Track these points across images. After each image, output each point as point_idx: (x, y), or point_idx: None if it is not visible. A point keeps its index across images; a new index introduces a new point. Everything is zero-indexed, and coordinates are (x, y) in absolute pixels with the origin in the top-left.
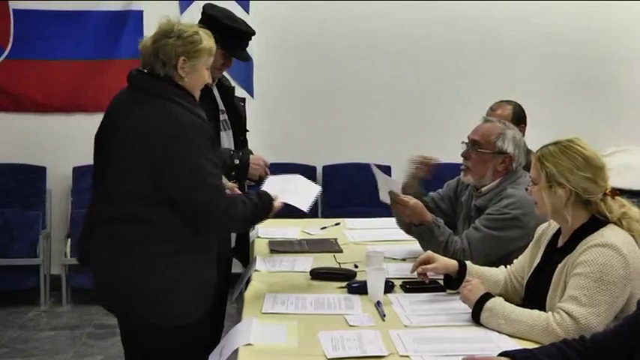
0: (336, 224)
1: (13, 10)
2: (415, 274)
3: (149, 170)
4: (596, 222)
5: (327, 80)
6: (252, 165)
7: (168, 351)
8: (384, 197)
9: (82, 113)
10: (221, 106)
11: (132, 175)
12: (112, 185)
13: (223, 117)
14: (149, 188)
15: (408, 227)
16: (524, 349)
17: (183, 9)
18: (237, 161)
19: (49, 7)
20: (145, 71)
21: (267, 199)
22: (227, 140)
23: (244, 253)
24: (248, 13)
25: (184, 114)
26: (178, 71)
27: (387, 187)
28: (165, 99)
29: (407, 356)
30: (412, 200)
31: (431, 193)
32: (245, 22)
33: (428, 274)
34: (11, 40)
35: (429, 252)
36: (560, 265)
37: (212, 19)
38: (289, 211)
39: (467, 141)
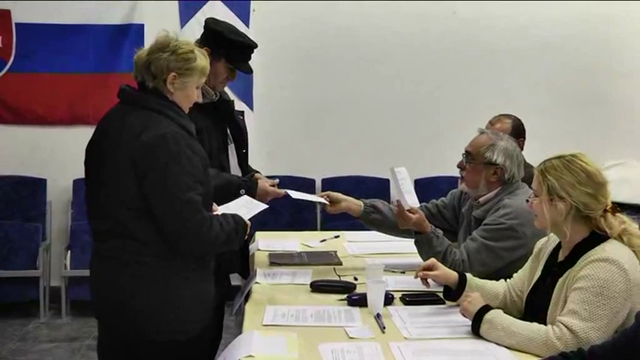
0: (336, 237)
1: (16, 23)
2: (417, 280)
3: (134, 182)
4: (597, 237)
5: (327, 93)
6: (258, 196)
7: None
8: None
9: (82, 126)
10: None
11: (121, 188)
12: (104, 200)
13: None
14: (136, 201)
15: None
16: None
17: (183, 23)
18: (242, 191)
19: (51, 20)
20: (137, 83)
21: (242, 224)
22: (231, 153)
23: (244, 266)
24: (248, 27)
25: (167, 124)
26: (167, 86)
27: (399, 194)
28: (152, 110)
29: None
30: (415, 215)
31: (433, 200)
32: (247, 36)
33: (429, 280)
34: (13, 53)
35: (433, 259)
36: (560, 280)
37: (216, 33)
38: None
39: (464, 152)
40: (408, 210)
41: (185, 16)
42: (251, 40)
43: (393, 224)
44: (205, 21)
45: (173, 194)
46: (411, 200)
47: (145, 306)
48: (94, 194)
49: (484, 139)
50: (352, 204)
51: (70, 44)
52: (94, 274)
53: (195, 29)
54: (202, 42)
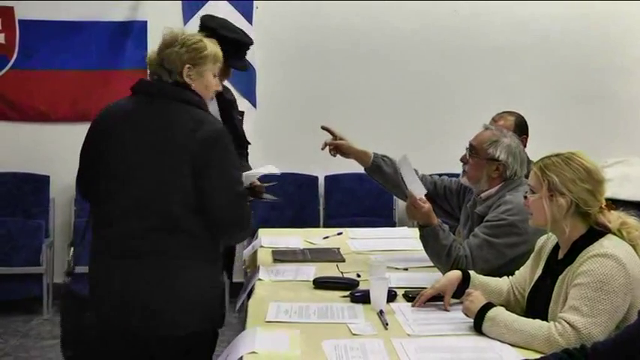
0: (339, 234)
1: (19, 20)
2: (420, 277)
3: (191, 178)
4: (595, 233)
5: (330, 90)
6: None
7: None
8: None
9: (85, 123)
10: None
11: (177, 183)
12: (150, 195)
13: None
14: (190, 196)
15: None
16: None
17: (186, 20)
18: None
19: (54, 17)
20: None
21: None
22: None
23: (229, 264)
24: (251, 24)
25: (213, 118)
26: (185, 78)
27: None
28: (191, 104)
29: None
30: (426, 205)
31: (444, 178)
32: (243, 32)
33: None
34: (16, 50)
35: (437, 290)
36: (560, 277)
37: (210, 30)
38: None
39: (467, 145)
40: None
41: (188, 13)
42: (246, 37)
43: (399, 181)
44: (200, 18)
45: (231, 187)
46: (420, 190)
47: (195, 297)
48: (126, 192)
49: (488, 134)
50: (362, 154)
51: (73, 41)
52: (123, 273)
53: (198, 26)
54: None
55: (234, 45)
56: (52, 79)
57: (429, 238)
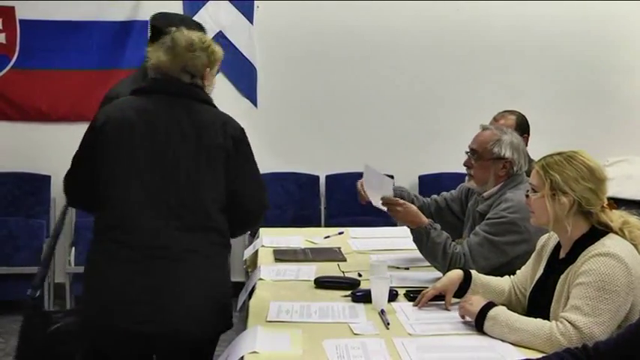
0: (340, 233)
1: (20, 20)
2: (421, 276)
3: (224, 176)
4: (597, 232)
5: (331, 90)
6: None
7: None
8: (377, 203)
9: (86, 122)
10: None
11: (209, 182)
12: (186, 196)
13: None
14: (222, 193)
15: None
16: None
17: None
18: None
19: (55, 17)
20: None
21: None
22: None
23: None
24: (252, 23)
25: (233, 118)
26: (204, 81)
27: (379, 191)
28: (210, 105)
29: None
30: (405, 203)
31: (443, 193)
32: (198, 25)
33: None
34: (17, 49)
35: (439, 289)
36: (562, 276)
37: (154, 28)
38: None
39: (468, 150)
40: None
41: (189, 14)
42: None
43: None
44: (151, 17)
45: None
46: (388, 187)
47: (224, 297)
48: (159, 192)
49: (488, 134)
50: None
51: (73, 41)
52: (153, 275)
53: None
54: (150, 39)
55: None
56: (53, 79)
57: (421, 239)
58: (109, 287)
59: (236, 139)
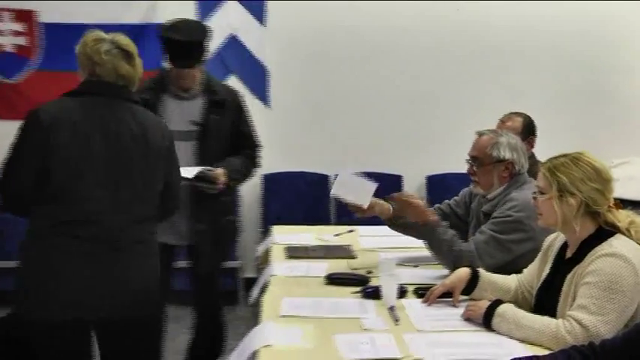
0: (350, 231)
1: (41, 23)
2: (429, 274)
3: (163, 168)
4: (603, 233)
5: (341, 90)
6: None
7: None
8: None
9: None
10: (195, 116)
11: (156, 180)
12: (136, 192)
13: (188, 128)
14: (161, 184)
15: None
16: (534, 356)
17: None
18: None
19: (73, 20)
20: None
21: None
22: (180, 151)
23: None
24: (265, 26)
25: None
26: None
27: (359, 197)
28: (135, 103)
29: (420, 359)
30: (417, 199)
31: (446, 201)
32: (187, 31)
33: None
34: (38, 51)
35: (447, 286)
36: (569, 276)
37: (158, 36)
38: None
39: (469, 158)
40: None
41: (202, 16)
42: (178, 35)
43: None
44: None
45: (179, 175)
46: (365, 198)
47: (157, 281)
48: (109, 189)
49: (486, 139)
50: (384, 207)
51: None
52: (128, 263)
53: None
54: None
55: (167, 44)
56: (73, 80)
57: (429, 235)
58: (65, 281)
59: (171, 139)
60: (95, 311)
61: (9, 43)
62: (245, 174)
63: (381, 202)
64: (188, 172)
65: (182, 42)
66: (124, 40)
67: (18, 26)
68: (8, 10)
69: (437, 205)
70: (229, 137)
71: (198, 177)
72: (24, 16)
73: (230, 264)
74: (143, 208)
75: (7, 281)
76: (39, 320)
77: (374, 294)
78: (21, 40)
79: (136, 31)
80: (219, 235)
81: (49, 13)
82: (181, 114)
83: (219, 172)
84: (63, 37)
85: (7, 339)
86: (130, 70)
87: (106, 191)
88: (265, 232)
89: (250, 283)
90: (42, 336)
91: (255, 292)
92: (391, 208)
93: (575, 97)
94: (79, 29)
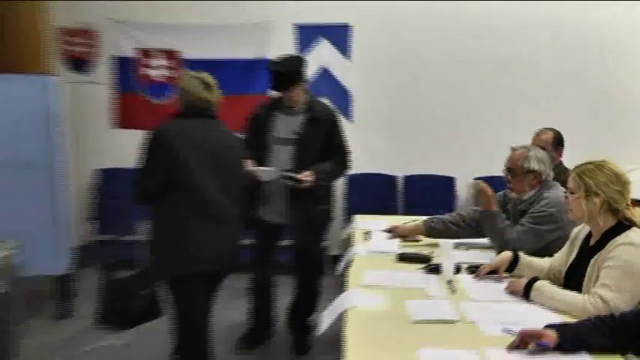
0: (414, 220)
1: (182, 59)
2: (480, 254)
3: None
4: (622, 226)
5: (407, 109)
6: None
7: None
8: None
9: None
10: (296, 128)
11: (238, 168)
12: (230, 179)
13: (290, 136)
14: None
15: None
16: (565, 323)
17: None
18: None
19: (206, 57)
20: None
21: None
22: (279, 155)
23: None
24: (347, 58)
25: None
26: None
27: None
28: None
29: (473, 322)
30: (490, 190)
31: None
32: (281, 65)
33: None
34: None
35: (494, 266)
36: (592, 260)
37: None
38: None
39: (505, 169)
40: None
41: (301, 50)
42: (274, 67)
43: (452, 231)
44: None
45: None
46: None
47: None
48: (214, 181)
49: (518, 153)
50: (416, 228)
51: (218, 73)
52: (219, 236)
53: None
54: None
55: (269, 75)
56: None
57: (489, 220)
58: (201, 243)
59: (242, 149)
60: (212, 265)
61: (160, 74)
62: (334, 174)
63: (413, 224)
64: (266, 173)
65: (276, 73)
66: (207, 77)
67: (166, 62)
68: (160, 50)
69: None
70: (322, 145)
71: (284, 176)
72: (170, 54)
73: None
74: (235, 193)
75: (130, 251)
76: (179, 274)
77: (435, 270)
78: (168, 72)
79: (249, 65)
80: (312, 219)
81: (188, 52)
82: (286, 125)
83: (307, 173)
84: (198, 69)
85: (137, 292)
86: (210, 97)
87: (215, 182)
88: (348, 220)
89: (335, 259)
90: (179, 284)
91: (341, 266)
92: (423, 227)
93: (595, 112)
94: (210, 63)
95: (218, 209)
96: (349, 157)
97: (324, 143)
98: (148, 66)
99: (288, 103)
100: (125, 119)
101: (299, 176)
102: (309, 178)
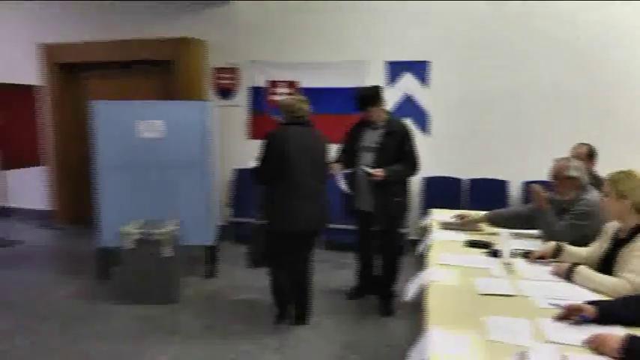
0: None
1: (300, 88)
2: (530, 243)
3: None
4: None
5: (470, 124)
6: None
7: None
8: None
9: (333, 143)
10: (377, 139)
11: (324, 161)
12: (318, 168)
13: (372, 145)
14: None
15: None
16: (602, 300)
17: (387, 84)
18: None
19: (318, 86)
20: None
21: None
22: (364, 158)
23: None
24: (427, 86)
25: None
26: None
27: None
28: (310, 126)
29: (527, 297)
30: (544, 192)
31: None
32: (363, 91)
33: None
34: None
35: (542, 253)
36: (622, 250)
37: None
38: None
39: (550, 176)
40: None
41: (390, 83)
42: (357, 93)
43: (510, 223)
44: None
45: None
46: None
47: (327, 210)
48: (305, 168)
49: (560, 164)
50: (479, 218)
51: (327, 98)
52: (314, 208)
53: (395, 90)
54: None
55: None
56: (320, 119)
57: (540, 216)
58: (297, 212)
59: (327, 147)
60: (307, 225)
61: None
62: (401, 174)
63: (476, 216)
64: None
65: (357, 97)
66: (300, 96)
67: (288, 90)
68: (284, 81)
69: (527, 205)
70: (396, 152)
71: (363, 170)
72: (291, 84)
73: (401, 230)
74: (321, 177)
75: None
76: (284, 231)
77: (496, 254)
78: None
79: (350, 92)
80: (390, 209)
81: (305, 82)
82: (370, 137)
83: (378, 170)
84: (310, 96)
85: (258, 239)
86: (306, 110)
87: (308, 169)
88: (424, 212)
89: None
90: (284, 238)
91: (420, 248)
92: (485, 218)
93: (622, 130)
94: (320, 91)
95: (308, 189)
96: (418, 161)
97: (397, 151)
98: (274, 93)
99: (370, 119)
100: (256, 132)
101: (371, 171)
102: (378, 174)
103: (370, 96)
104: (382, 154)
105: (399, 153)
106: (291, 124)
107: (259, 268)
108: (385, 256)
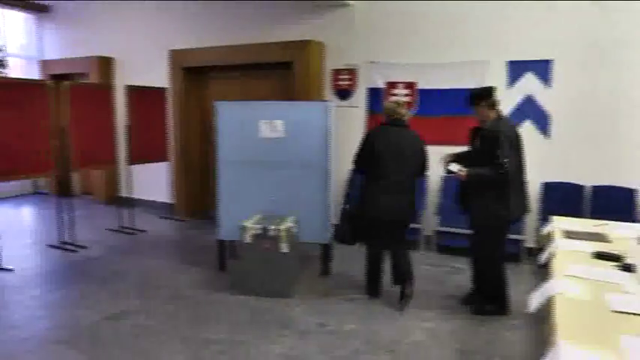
0: (604, 224)
1: (417, 89)
2: None
3: (419, 157)
4: None
5: (592, 127)
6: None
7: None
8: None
9: (453, 144)
10: (479, 140)
11: (414, 159)
12: (406, 164)
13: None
14: (418, 163)
15: None
16: None
17: (509, 86)
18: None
19: (434, 87)
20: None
21: None
22: (471, 157)
23: None
24: (549, 86)
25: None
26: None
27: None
28: (406, 127)
29: None
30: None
31: None
32: (474, 90)
33: None
34: (418, 105)
35: None
36: None
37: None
38: None
39: None
40: None
41: (510, 84)
42: (471, 93)
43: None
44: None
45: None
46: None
47: (413, 205)
48: (394, 165)
49: None
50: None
51: (446, 99)
52: (396, 200)
53: (514, 91)
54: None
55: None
56: (435, 121)
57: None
58: (379, 202)
59: (423, 144)
60: (391, 215)
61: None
62: (486, 177)
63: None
64: (452, 166)
65: (468, 95)
66: (401, 100)
67: (407, 91)
68: (402, 82)
69: None
70: (486, 155)
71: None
72: (410, 85)
73: (516, 236)
74: (409, 172)
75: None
76: (372, 217)
77: (628, 268)
78: (407, 98)
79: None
80: (476, 213)
81: (423, 84)
82: (478, 138)
83: (462, 170)
84: (428, 96)
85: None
86: (404, 113)
87: (395, 164)
88: (543, 220)
89: (530, 250)
90: (372, 223)
91: (543, 257)
92: None
93: None
94: (439, 92)
95: (393, 183)
96: (502, 165)
97: (489, 154)
98: (392, 94)
99: (477, 116)
100: None
101: (455, 170)
102: (461, 174)
103: (474, 95)
104: (476, 156)
105: (489, 156)
106: (389, 125)
107: (343, 244)
108: (474, 258)
